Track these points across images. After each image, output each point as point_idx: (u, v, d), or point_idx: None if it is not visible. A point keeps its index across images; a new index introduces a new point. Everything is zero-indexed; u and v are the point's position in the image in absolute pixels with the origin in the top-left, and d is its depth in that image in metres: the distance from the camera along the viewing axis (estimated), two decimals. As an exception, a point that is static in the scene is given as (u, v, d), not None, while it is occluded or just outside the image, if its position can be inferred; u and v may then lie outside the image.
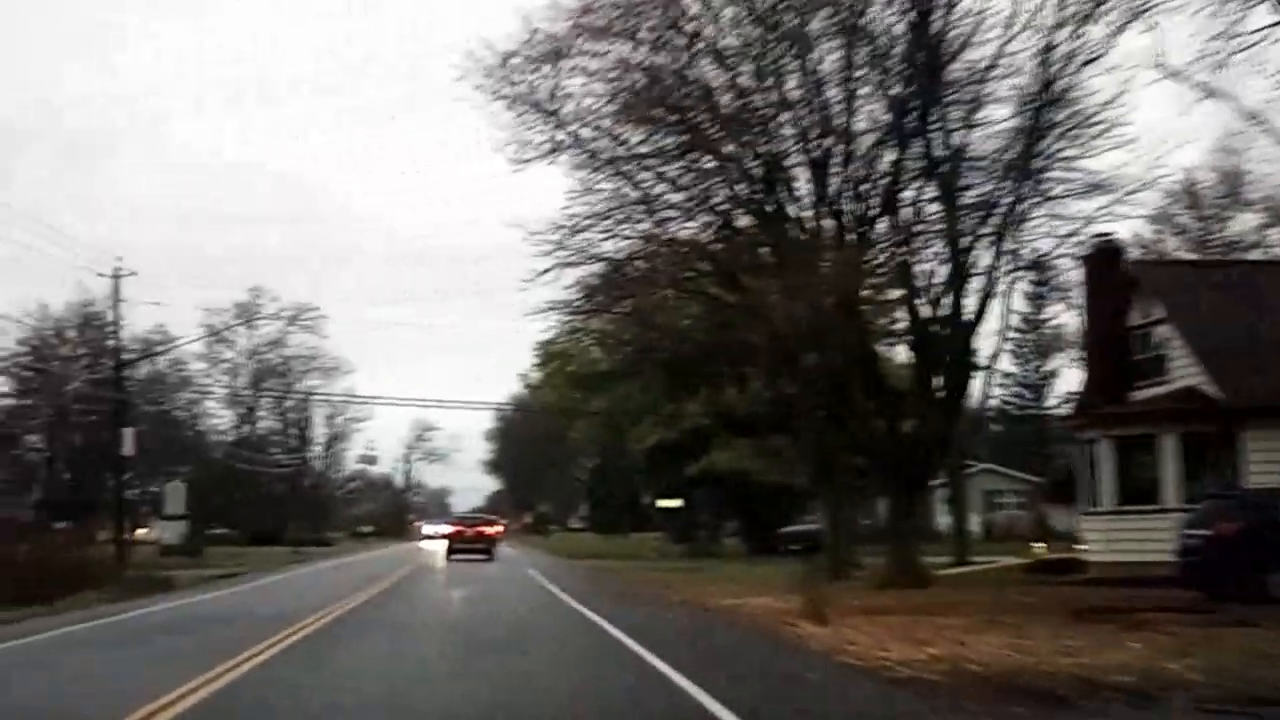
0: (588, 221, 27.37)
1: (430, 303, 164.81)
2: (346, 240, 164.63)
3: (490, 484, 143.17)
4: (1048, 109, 24.81)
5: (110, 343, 49.88)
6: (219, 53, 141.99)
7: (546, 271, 27.53)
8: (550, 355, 48.45)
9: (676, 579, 30.27)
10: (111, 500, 46.00)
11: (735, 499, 45.08)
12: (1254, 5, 17.18)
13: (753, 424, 42.82)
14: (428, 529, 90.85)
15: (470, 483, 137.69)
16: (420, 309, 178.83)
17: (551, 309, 29.65)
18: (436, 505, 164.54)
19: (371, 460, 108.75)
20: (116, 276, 43.56)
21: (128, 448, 41.15)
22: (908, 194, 26.85)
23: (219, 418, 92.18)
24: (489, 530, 52.75)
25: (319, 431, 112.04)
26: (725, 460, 43.13)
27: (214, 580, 34.10)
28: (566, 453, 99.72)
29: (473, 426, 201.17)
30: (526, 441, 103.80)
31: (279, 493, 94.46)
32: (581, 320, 33.75)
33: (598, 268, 28.72)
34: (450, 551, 49.39)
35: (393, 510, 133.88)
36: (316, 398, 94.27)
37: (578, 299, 29.64)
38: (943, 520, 46.99)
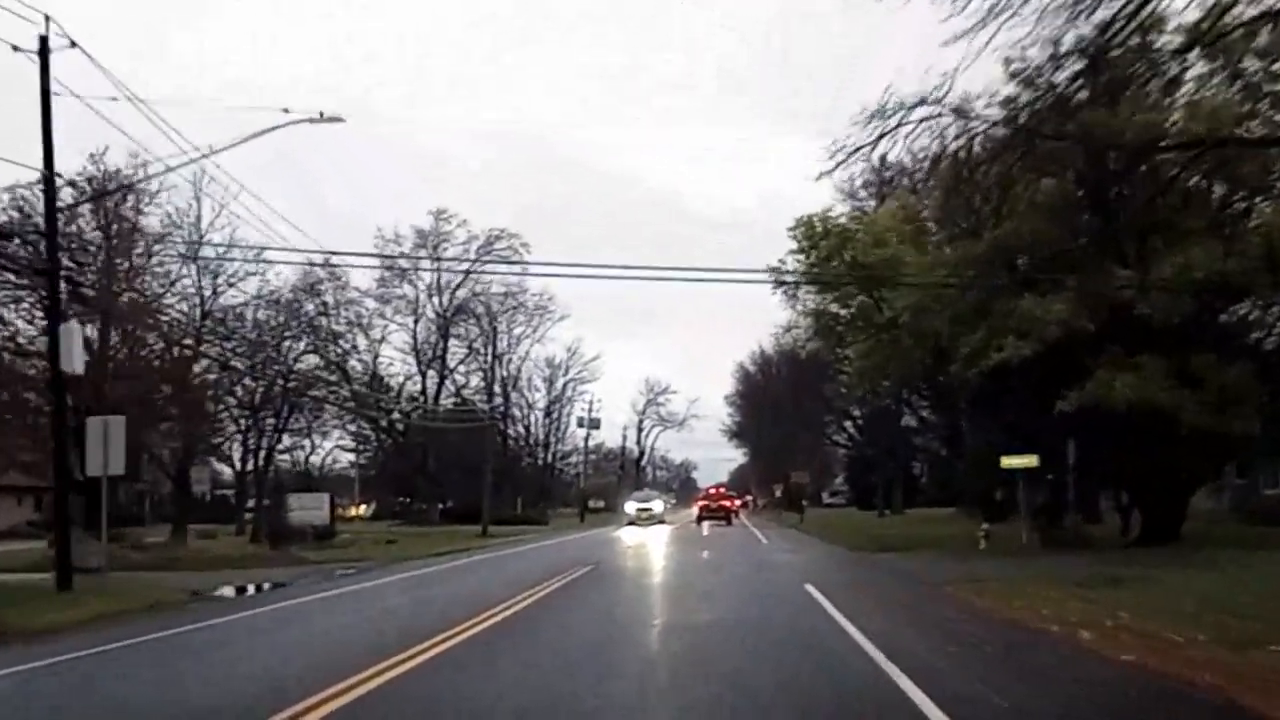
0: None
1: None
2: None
3: (734, 455, 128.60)
4: None
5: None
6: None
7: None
8: (820, 234, 31.61)
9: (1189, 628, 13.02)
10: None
11: (1132, 455, 27.19)
12: None
13: (1163, 332, 25.45)
14: (631, 505, 73.95)
15: (714, 453, 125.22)
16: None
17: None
18: (679, 480, 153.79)
19: (594, 424, 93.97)
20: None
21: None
22: None
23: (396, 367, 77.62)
24: (728, 504, 75.62)
25: (538, 396, 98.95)
26: (1127, 388, 25.31)
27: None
28: (816, 413, 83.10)
29: (712, 390, 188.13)
30: (772, 404, 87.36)
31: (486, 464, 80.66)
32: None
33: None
34: (699, 518, 70.01)
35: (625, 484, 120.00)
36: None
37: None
38: None
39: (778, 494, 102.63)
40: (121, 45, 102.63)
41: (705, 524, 64.82)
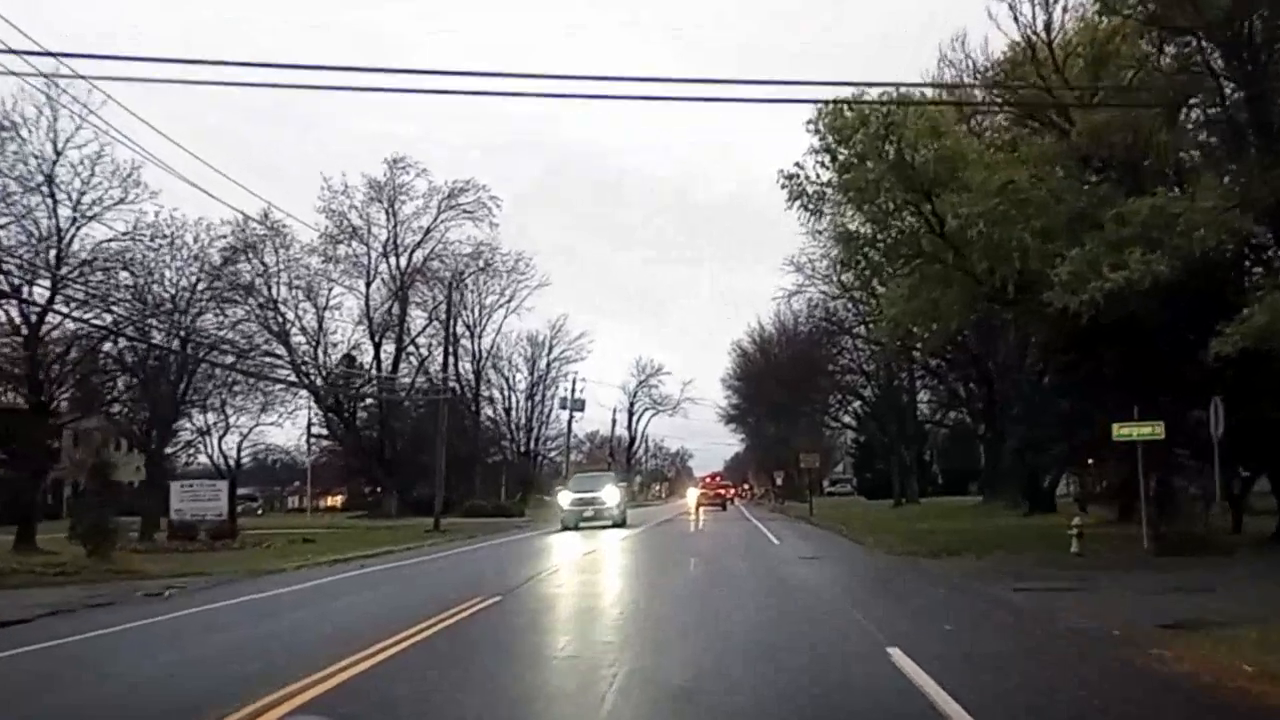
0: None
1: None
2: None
3: (731, 441, 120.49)
4: None
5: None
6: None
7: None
8: (853, 124, 22.77)
9: None
10: None
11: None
12: None
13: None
14: (565, 497, 48.48)
15: (710, 440, 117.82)
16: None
17: None
18: (676, 469, 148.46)
19: (578, 406, 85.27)
20: None
21: None
22: None
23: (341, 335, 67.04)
24: (724, 492, 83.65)
25: (519, 376, 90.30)
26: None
27: None
28: (819, 392, 74.94)
29: (709, 374, 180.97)
30: (771, 385, 79.03)
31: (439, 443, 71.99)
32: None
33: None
34: (698, 505, 71.32)
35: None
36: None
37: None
38: None
39: (778, 482, 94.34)
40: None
41: (700, 516, 56.77)
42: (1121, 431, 20.59)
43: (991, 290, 22.54)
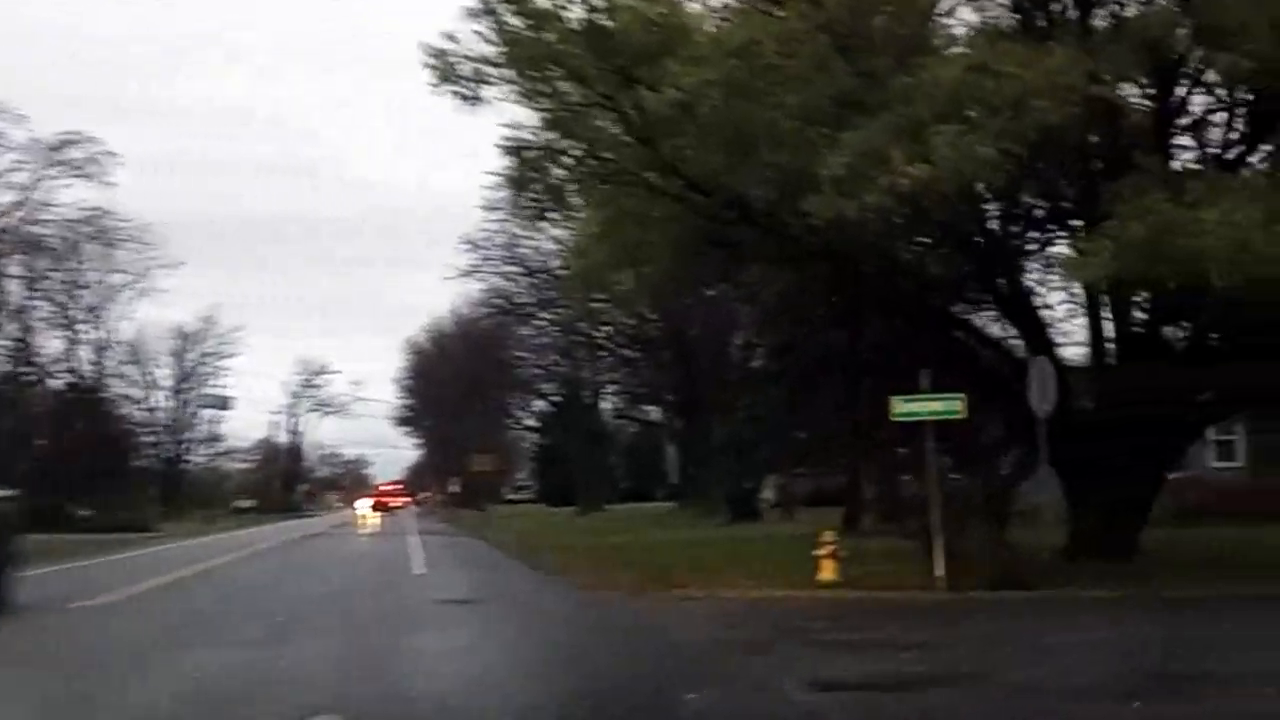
0: None
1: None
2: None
3: (408, 446, 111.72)
4: None
5: None
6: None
7: None
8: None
9: None
10: None
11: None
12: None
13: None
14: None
15: (390, 444, 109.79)
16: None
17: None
18: (353, 477, 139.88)
19: (222, 404, 74.72)
20: None
21: None
22: None
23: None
24: (391, 502, 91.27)
25: (164, 373, 79.04)
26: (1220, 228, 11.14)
27: None
28: (498, 389, 68.61)
29: (383, 373, 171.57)
30: (448, 379, 71.96)
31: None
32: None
33: None
34: (364, 515, 74.04)
35: (281, 479, 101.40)
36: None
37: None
38: None
39: (452, 489, 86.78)
40: None
41: (366, 526, 53.55)
42: (903, 409, 14.48)
43: (719, 210, 16.04)
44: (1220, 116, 16.66)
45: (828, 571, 15.77)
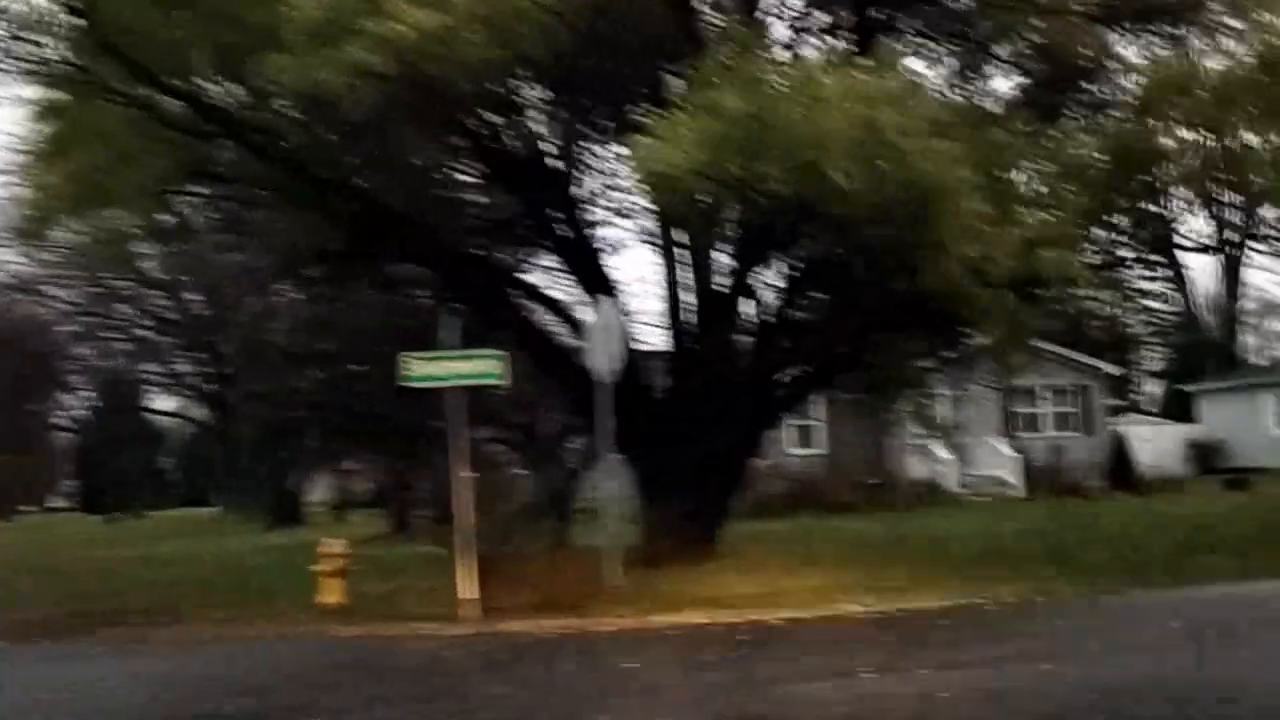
0: None
1: None
2: None
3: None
4: None
5: None
6: None
7: None
8: None
9: None
10: None
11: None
12: None
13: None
14: None
15: None
16: None
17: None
18: None
19: None
20: None
21: None
22: None
23: None
24: None
25: None
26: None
27: None
28: (37, 382, 59.52)
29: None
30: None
31: None
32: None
33: None
34: None
35: None
36: None
37: None
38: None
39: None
40: None
41: None
42: (422, 371, 10.63)
43: (189, 119, 11.64)
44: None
45: (331, 594, 11.75)
